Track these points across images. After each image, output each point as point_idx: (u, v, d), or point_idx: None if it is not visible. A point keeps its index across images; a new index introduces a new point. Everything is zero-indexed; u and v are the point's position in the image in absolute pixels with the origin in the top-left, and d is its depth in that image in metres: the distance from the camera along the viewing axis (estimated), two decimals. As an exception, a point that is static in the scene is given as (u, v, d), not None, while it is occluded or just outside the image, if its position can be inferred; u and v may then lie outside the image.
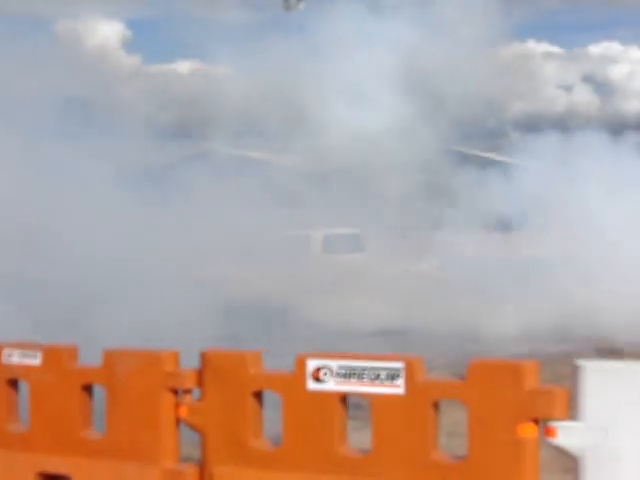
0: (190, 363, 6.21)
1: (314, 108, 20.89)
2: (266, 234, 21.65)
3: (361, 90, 21.14)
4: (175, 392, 6.00)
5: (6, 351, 6.50)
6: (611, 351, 12.41)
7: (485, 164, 20.78)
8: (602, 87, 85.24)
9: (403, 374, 5.37)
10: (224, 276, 21.16)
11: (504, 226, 20.16)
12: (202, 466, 5.93)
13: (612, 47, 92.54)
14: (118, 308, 14.95)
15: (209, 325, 14.70)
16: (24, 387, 6.55)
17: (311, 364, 5.58)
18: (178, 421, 6.01)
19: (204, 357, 5.96)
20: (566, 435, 5.06)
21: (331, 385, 5.53)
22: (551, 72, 78.20)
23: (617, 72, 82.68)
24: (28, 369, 6.43)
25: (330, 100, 20.85)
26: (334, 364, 5.53)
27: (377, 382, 5.42)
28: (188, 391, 5.99)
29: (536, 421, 5.13)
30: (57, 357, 6.36)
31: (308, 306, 18.16)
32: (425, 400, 5.35)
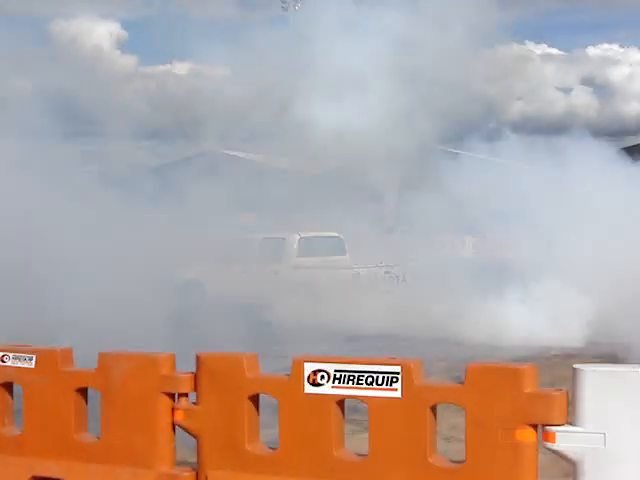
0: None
1: (308, 108, 20.88)
2: (243, 236, 21.95)
3: (356, 88, 21.15)
4: (171, 396, 5.95)
5: (0, 354, 6.45)
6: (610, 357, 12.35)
7: (480, 166, 20.68)
8: (601, 89, 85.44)
9: (400, 378, 5.33)
10: (200, 278, 21.67)
11: (490, 227, 20.06)
12: (198, 470, 5.89)
13: (612, 49, 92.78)
14: (99, 307, 15.18)
15: (183, 325, 14.94)
16: (18, 390, 6.50)
17: (308, 367, 5.54)
18: (174, 425, 5.97)
19: (200, 360, 5.91)
20: (565, 439, 5.03)
21: (328, 389, 5.49)
22: (550, 74, 78.34)
23: (617, 74, 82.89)
24: (22, 372, 6.39)
25: (324, 100, 20.84)
26: (331, 367, 5.49)
27: (374, 386, 5.38)
28: (184, 395, 5.94)
29: (534, 425, 5.09)
30: (51, 360, 6.31)
31: (278, 308, 18.41)
32: (423, 404, 5.31)
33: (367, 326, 16.45)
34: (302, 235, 21.47)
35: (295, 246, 21.26)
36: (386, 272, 20.20)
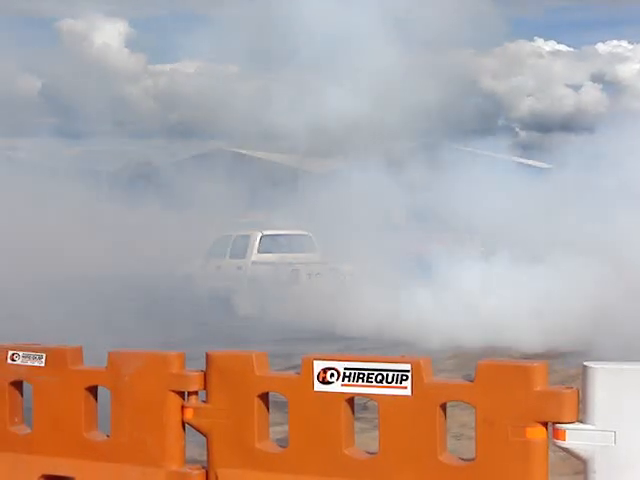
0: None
1: (316, 106, 20.90)
2: (222, 234, 22.92)
3: (362, 88, 21.19)
4: (181, 394, 5.96)
5: (10, 353, 6.46)
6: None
7: (486, 163, 20.64)
8: (611, 86, 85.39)
9: (410, 375, 5.33)
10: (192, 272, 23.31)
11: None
12: (208, 469, 5.90)
13: (621, 45, 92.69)
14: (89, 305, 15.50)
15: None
16: (28, 389, 6.52)
17: (318, 365, 5.54)
18: (183, 423, 5.97)
19: (209, 358, 5.91)
20: (575, 437, 5.02)
21: (338, 387, 5.49)
22: (559, 71, 78.34)
23: (626, 70, 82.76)
24: (32, 371, 6.39)
25: (333, 97, 20.87)
26: (341, 365, 5.49)
27: (384, 384, 5.38)
28: (194, 393, 5.94)
29: (545, 423, 5.08)
30: (61, 359, 6.31)
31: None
32: (432, 402, 5.30)
33: (298, 322, 16.74)
34: (265, 233, 22.73)
35: (256, 243, 22.43)
36: (331, 269, 20.70)
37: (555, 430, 5.07)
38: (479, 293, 15.55)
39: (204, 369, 5.94)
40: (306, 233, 22.82)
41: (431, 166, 19.11)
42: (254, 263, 22.01)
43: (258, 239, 22.51)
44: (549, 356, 11.97)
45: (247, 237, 22.85)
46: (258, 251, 22.34)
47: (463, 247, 18.41)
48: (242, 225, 25.32)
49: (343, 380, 5.47)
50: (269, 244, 22.51)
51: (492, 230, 17.21)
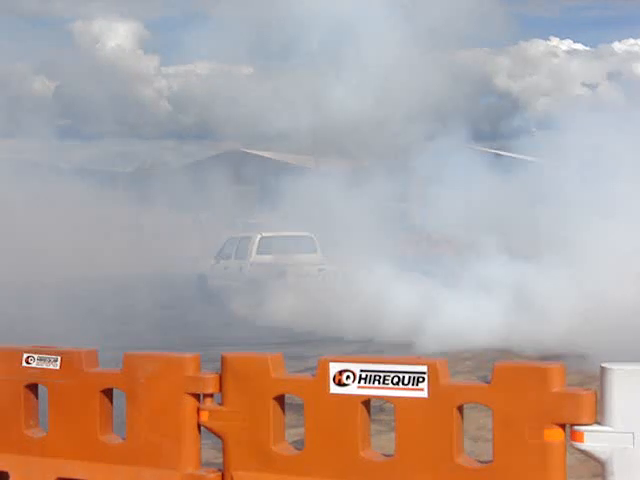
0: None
1: (329, 107, 20.90)
2: (230, 236, 23.44)
3: (376, 88, 21.15)
4: (196, 396, 5.94)
5: (25, 355, 6.45)
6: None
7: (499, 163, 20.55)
8: (628, 84, 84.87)
9: (427, 377, 5.30)
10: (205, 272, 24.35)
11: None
12: (224, 471, 5.88)
13: (637, 44, 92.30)
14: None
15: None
16: (43, 392, 6.51)
17: (333, 368, 5.51)
18: (199, 426, 5.95)
19: (225, 360, 5.89)
20: (593, 439, 4.98)
21: (354, 389, 5.47)
22: (575, 70, 78.03)
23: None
24: (47, 373, 6.38)
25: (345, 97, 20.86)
26: (357, 367, 5.47)
27: (400, 385, 5.35)
28: (209, 395, 5.92)
29: (562, 425, 5.05)
30: (76, 361, 6.30)
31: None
32: (449, 404, 5.28)
33: (291, 324, 16.83)
34: (264, 234, 23.33)
35: (256, 245, 23.02)
36: (320, 270, 20.96)
37: (573, 432, 5.03)
38: (496, 294, 15.48)
39: (219, 371, 5.93)
40: (307, 234, 23.03)
41: (435, 165, 19.06)
42: (252, 264, 22.47)
43: (257, 241, 22.98)
44: (566, 357, 11.92)
45: (248, 239, 23.40)
46: (257, 252, 22.78)
47: (471, 246, 18.36)
48: (249, 226, 25.67)
49: (359, 382, 5.45)
50: (269, 245, 22.87)
51: (505, 230, 17.14)
